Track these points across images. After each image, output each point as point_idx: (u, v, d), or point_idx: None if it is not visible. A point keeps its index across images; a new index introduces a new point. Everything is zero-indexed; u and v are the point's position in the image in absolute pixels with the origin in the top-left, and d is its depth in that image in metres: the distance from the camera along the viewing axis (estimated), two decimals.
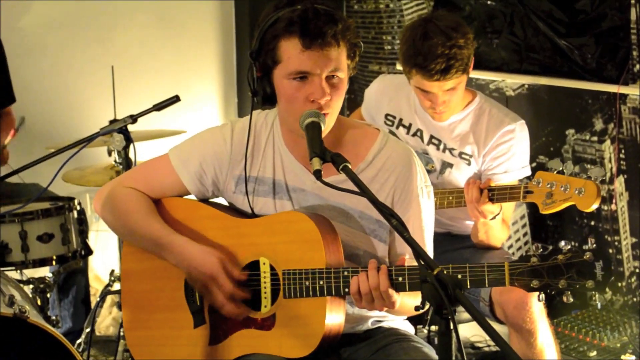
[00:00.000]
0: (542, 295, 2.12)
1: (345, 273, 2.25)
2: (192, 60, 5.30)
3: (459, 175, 3.20)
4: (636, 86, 3.71)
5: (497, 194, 2.97)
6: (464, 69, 3.03)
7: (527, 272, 2.12)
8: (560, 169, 2.85)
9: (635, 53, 3.69)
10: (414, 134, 3.29)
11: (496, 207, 2.98)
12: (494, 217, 3.05)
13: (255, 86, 2.35)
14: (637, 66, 3.70)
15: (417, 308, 2.03)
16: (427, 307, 2.00)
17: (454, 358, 1.81)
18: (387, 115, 3.36)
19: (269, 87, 2.33)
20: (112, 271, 3.91)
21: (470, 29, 3.12)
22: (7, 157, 4.10)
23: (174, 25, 5.18)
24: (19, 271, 3.52)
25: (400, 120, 3.32)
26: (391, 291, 2.20)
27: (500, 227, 3.14)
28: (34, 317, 2.77)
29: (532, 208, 4.20)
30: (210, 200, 2.58)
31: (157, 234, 2.45)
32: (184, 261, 2.40)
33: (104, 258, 4.67)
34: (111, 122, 3.37)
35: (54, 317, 3.44)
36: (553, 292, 2.10)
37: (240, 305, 2.36)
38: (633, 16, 3.67)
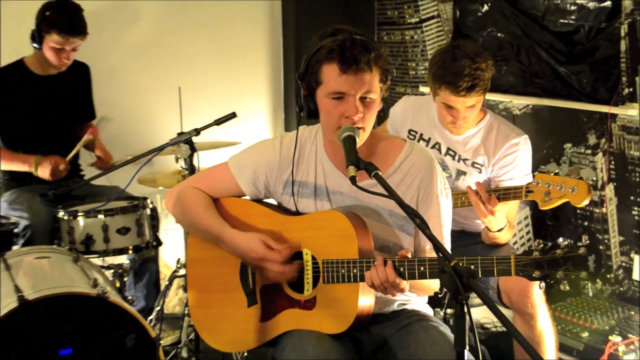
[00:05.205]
0: (543, 284, 2.09)
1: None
2: (245, 82, 5.33)
3: (472, 182, 3.19)
4: (625, 107, 3.69)
5: (503, 193, 2.97)
6: (484, 88, 3.02)
7: (530, 264, 2.10)
8: (557, 171, 2.85)
9: (624, 79, 3.67)
10: (433, 146, 3.28)
11: (503, 206, 2.96)
12: (500, 229, 3.04)
13: (301, 103, 2.37)
14: (626, 90, 3.68)
15: (436, 294, 2.04)
16: (444, 292, 2.00)
17: (466, 336, 1.82)
18: (410, 130, 3.36)
19: (313, 104, 2.35)
20: (179, 259, 3.92)
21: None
22: (109, 159, 4.11)
23: (230, 52, 5.22)
24: (101, 259, 3.56)
25: (421, 135, 3.32)
26: (398, 280, 2.20)
27: (506, 229, 3.13)
28: (114, 296, 2.79)
29: (534, 210, 4.19)
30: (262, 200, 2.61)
31: (212, 227, 2.48)
32: (235, 249, 2.43)
33: (172, 248, 4.71)
34: (178, 134, 3.38)
35: (130, 297, 3.45)
36: (552, 281, 2.07)
37: (292, 268, 2.37)
38: (623, 47, 3.65)
